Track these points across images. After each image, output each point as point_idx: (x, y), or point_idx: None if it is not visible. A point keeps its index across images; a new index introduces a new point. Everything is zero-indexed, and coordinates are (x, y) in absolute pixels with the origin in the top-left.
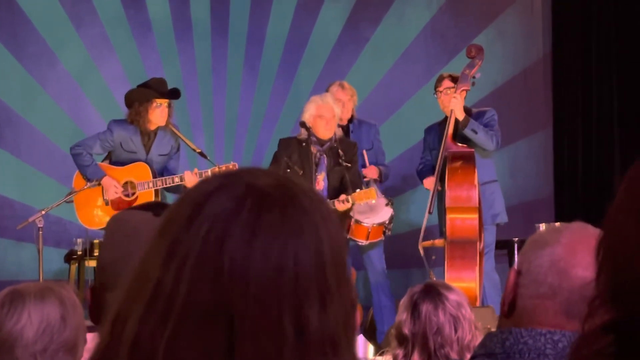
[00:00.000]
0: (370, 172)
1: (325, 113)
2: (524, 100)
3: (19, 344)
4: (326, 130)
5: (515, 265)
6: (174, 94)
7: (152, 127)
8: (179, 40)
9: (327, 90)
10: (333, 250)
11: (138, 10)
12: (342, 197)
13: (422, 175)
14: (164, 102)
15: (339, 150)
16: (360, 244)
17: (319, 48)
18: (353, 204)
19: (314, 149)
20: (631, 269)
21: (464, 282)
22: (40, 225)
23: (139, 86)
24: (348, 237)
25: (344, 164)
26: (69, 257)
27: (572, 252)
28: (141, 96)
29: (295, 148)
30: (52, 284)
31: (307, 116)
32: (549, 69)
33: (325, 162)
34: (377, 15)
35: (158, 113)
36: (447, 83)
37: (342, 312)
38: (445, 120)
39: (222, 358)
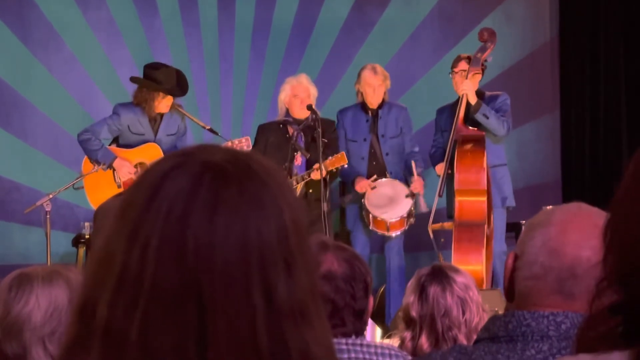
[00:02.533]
0: (417, 185)
1: (300, 92)
2: (532, 83)
3: (27, 327)
4: (301, 110)
5: (514, 250)
6: (181, 90)
7: (157, 112)
8: (186, 24)
9: (359, 74)
10: (294, 219)
11: None
12: (316, 165)
13: (434, 160)
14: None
15: (318, 128)
16: (383, 234)
17: (326, 31)
18: (328, 171)
19: (290, 129)
20: (638, 251)
21: (470, 264)
22: (47, 209)
23: (147, 75)
24: (371, 228)
25: (322, 140)
26: (76, 241)
27: (563, 231)
28: (149, 86)
29: (272, 130)
30: (59, 267)
31: (283, 96)
32: (556, 52)
33: (303, 139)
34: None
35: (164, 103)
36: (463, 65)
37: (307, 280)
38: (457, 101)
39: (195, 335)
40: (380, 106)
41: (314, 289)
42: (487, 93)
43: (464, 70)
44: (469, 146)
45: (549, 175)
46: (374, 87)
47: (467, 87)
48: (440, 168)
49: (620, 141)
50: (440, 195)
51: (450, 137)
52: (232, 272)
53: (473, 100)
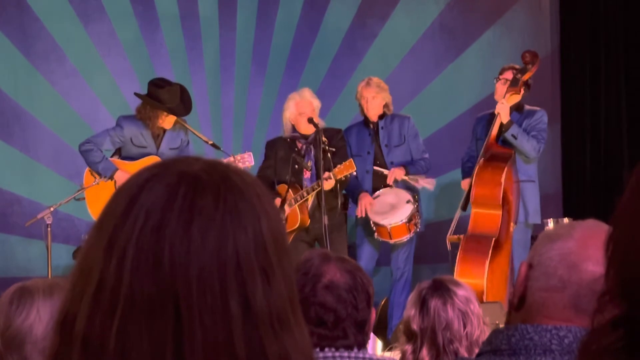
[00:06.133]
0: (392, 173)
1: (305, 109)
2: (532, 95)
3: (28, 340)
4: (308, 126)
5: (527, 259)
6: (185, 109)
7: (161, 127)
8: (187, 36)
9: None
10: (271, 226)
11: (146, 6)
12: (325, 174)
13: (464, 171)
14: None
15: (323, 138)
16: (390, 242)
17: (326, 44)
18: (336, 180)
19: (299, 143)
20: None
21: (472, 275)
22: (49, 221)
23: (150, 93)
24: (376, 237)
25: (329, 149)
26: (77, 254)
27: (584, 247)
28: (152, 105)
29: (281, 145)
30: (60, 280)
31: (288, 114)
32: (557, 65)
33: (312, 151)
34: (384, 11)
35: (167, 121)
36: (508, 74)
37: (286, 287)
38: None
39: (172, 344)
40: (382, 117)
41: (293, 297)
42: (527, 107)
43: (508, 80)
44: (491, 162)
45: (549, 187)
46: (367, 99)
47: (501, 108)
48: (465, 184)
49: (621, 153)
50: (463, 209)
51: (481, 153)
52: (209, 281)
53: (505, 119)
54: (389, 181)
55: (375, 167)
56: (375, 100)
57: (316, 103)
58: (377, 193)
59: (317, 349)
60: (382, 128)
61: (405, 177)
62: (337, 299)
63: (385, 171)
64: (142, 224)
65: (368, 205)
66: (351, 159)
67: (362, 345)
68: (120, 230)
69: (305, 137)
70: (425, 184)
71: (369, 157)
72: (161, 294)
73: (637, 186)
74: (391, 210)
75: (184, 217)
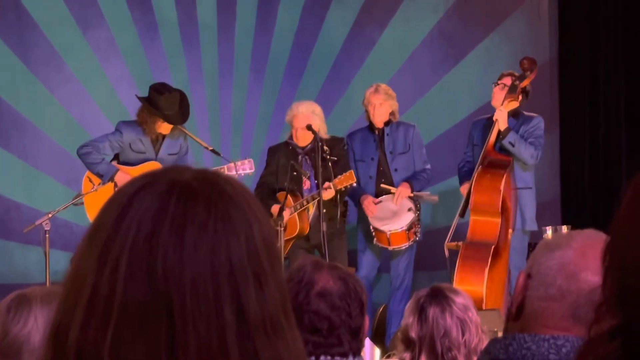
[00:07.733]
0: (398, 194)
1: (298, 124)
2: (531, 103)
3: (26, 348)
4: (303, 137)
5: (525, 269)
6: (182, 117)
7: (159, 132)
8: (185, 42)
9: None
10: (263, 235)
11: (145, 12)
12: (326, 184)
13: (461, 177)
14: None
15: (324, 147)
16: (389, 248)
17: (325, 51)
18: (337, 190)
19: (299, 153)
20: (637, 274)
21: (471, 283)
22: (47, 228)
23: (150, 98)
24: (375, 242)
25: (330, 158)
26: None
27: (583, 256)
28: (150, 110)
29: (282, 152)
30: (58, 288)
31: (287, 121)
32: (556, 72)
33: (309, 162)
34: (383, 18)
35: (164, 126)
36: (506, 80)
37: (278, 292)
38: (492, 116)
39: (166, 351)
40: (387, 124)
41: (285, 301)
42: (525, 113)
43: (506, 85)
44: (489, 169)
45: (548, 195)
46: (375, 105)
47: (499, 114)
48: (464, 189)
49: (620, 162)
50: (461, 216)
51: (479, 160)
52: (202, 288)
53: (503, 126)
54: (396, 202)
55: (383, 185)
56: (382, 107)
57: (316, 120)
58: (379, 199)
59: (313, 358)
60: (387, 135)
61: (412, 194)
62: (330, 306)
63: (393, 189)
64: (134, 234)
65: (372, 205)
66: (352, 171)
67: (357, 352)
68: (112, 240)
69: (301, 147)
70: (429, 199)
71: (373, 163)
72: (155, 302)
73: (634, 196)
74: (392, 217)
75: (176, 225)
